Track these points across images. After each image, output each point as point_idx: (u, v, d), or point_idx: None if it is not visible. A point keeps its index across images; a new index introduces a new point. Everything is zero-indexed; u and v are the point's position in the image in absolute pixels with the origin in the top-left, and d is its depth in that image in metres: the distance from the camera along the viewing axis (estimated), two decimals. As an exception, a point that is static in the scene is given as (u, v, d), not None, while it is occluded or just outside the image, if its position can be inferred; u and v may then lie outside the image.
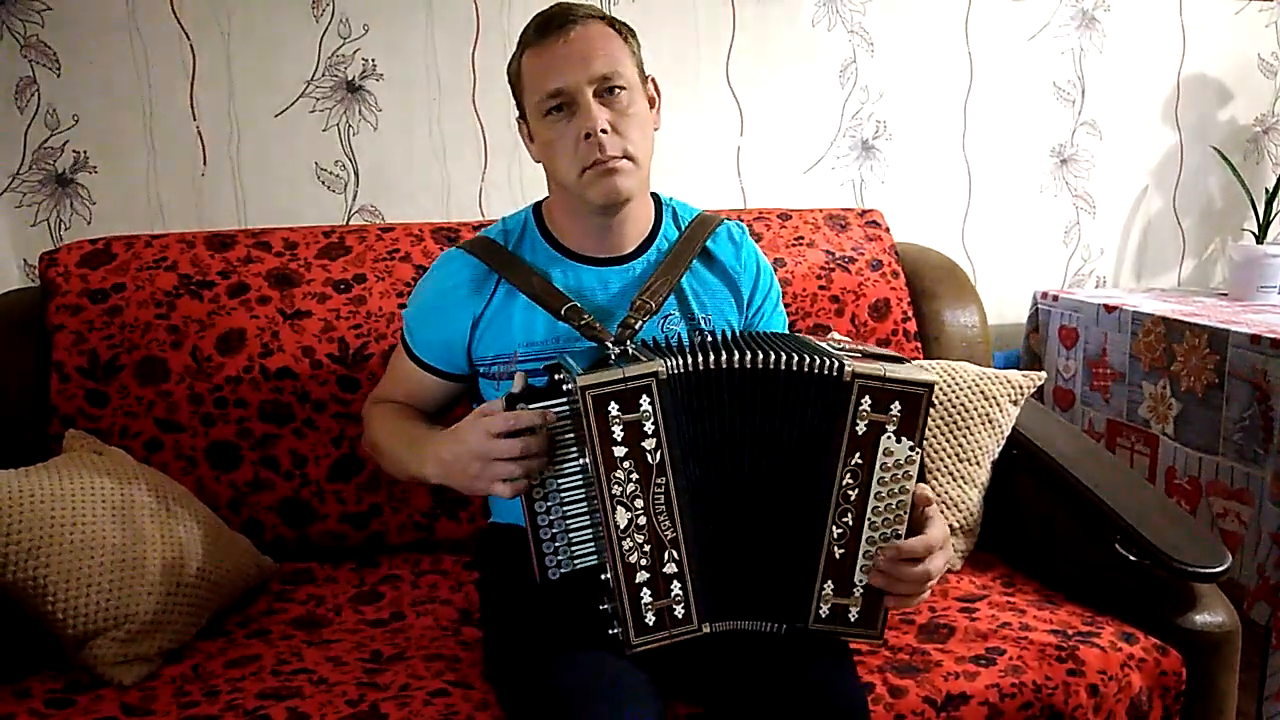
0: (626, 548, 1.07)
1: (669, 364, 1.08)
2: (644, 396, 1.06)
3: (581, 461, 1.09)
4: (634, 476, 1.06)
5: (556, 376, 1.10)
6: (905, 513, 1.11)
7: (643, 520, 1.07)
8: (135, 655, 1.25)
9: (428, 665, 1.28)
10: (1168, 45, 2.39)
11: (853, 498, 1.10)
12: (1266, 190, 2.35)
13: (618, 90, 1.22)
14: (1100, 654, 1.29)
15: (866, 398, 1.08)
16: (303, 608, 1.46)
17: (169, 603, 1.29)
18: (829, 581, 1.11)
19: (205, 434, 1.58)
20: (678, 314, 1.33)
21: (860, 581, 1.11)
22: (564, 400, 1.09)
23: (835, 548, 1.10)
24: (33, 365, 1.57)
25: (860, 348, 1.17)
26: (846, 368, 1.08)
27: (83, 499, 1.29)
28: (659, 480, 1.07)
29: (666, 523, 1.08)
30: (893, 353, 1.18)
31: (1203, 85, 2.43)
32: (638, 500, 1.07)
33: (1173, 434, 1.98)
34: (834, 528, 1.10)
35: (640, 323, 1.25)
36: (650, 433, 1.06)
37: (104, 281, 1.61)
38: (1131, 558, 1.38)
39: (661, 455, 1.07)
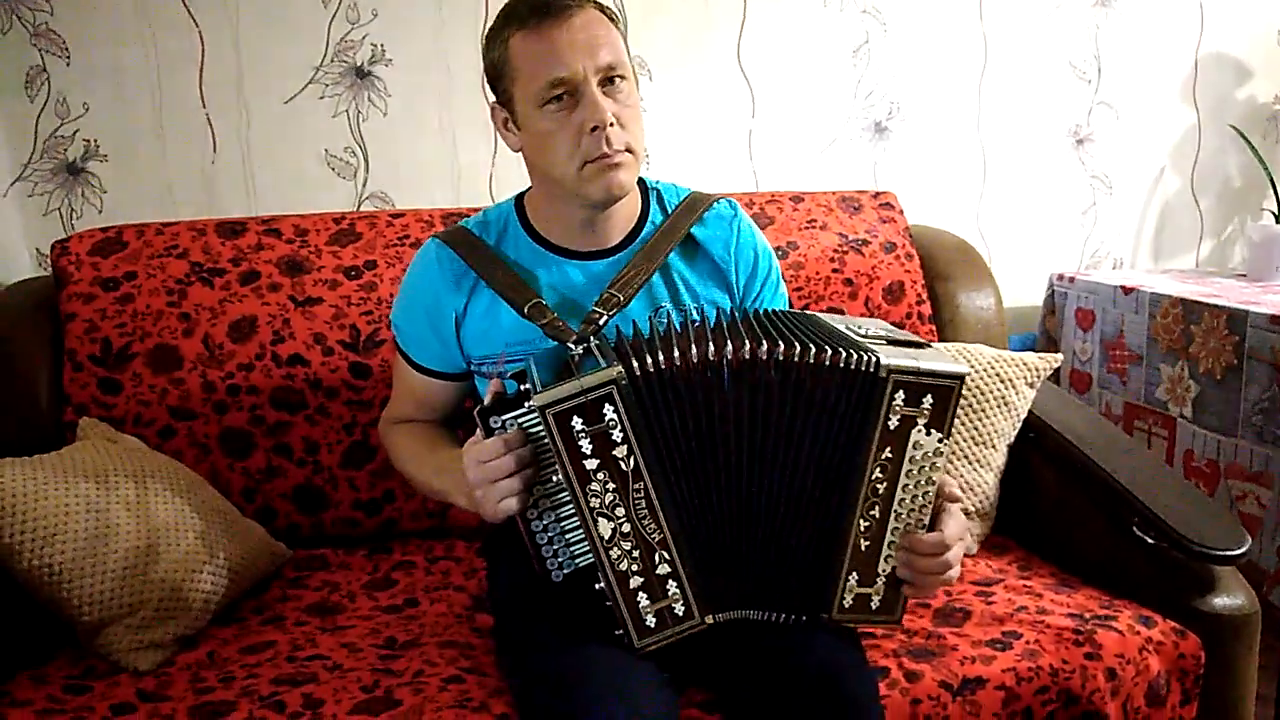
0: (615, 556, 1.05)
1: (636, 364, 1.03)
2: (606, 405, 1.01)
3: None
4: (610, 486, 1.03)
5: (523, 387, 1.07)
6: (930, 503, 1.10)
7: (627, 527, 1.04)
8: (150, 642, 1.26)
9: (441, 652, 1.28)
10: (1185, 22, 2.36)
11: (880, 491, 1.07)
12: (1286, 169, 2.32)
13: (619, 80, 1.18)
14: (1118, 638, 1.28)
15: (900, 392, 1.04)
16: (317, 594, 1.46)
17: (183, 589, 1.29)
18: (854, 574, 1.10)
19: (218, 421, 1.58)
20: (670, 305, 1.29)
21: (883, 571, 1.10)
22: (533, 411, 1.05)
23: (861, 540, 1.09)
24: (46, 354, 1.57)
25: (877, 329, 1.15)
26: (883, 363, 1.04)
27: (96, 487, 1.29)
28: (637, 485, 1.03)
29: (651, 525, 1.05)
30: (912, 335, 1.15)
31: (1221, 63, 2.39)
32: (618, 509, 1.04)
33: (1191, 416, 1.96)
34: (861, 521, 1.08)
35: (606, 318, 1.20)
36: (619, 440, 1.02)
37: (116, 270, 1.61)
38: (1149, 540, 1.36)
39: (635, 461, 1.03)
